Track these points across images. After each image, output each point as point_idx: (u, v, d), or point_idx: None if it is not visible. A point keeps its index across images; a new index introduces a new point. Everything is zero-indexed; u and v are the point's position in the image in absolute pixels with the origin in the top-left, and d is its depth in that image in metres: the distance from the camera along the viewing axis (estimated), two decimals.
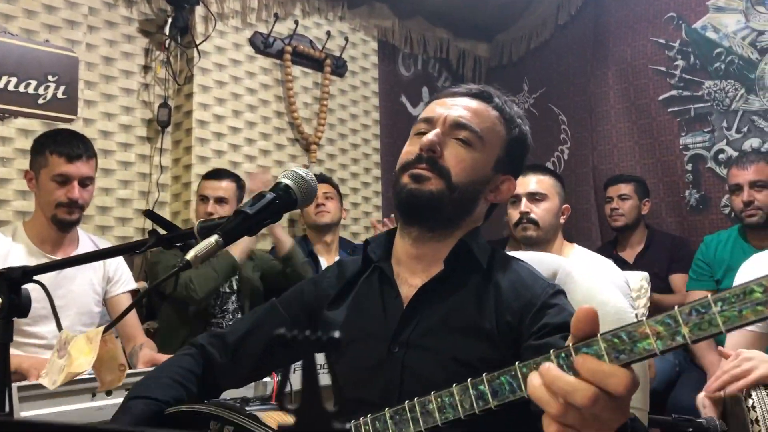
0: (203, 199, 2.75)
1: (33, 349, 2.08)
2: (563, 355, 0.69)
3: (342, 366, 1.14)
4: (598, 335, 0.66)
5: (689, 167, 3.59)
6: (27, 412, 1.37)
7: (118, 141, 3.00)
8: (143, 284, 2.71)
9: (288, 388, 1.86)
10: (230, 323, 2.64)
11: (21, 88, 2.67)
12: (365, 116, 3.86)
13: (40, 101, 2.72)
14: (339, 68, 3.71)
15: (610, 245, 3.41)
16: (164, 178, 3.13)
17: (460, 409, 0.79)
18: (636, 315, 1.40)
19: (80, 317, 2.21)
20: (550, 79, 4.31)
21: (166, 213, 3.15)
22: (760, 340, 1.54)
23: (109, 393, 1.44)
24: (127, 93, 3.04)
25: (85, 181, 2.15)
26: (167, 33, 3.06)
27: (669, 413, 2.51)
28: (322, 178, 3.19)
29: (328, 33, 3.65)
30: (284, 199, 0.98)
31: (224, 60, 3.24)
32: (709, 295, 0.61)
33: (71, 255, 2.20)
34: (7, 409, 0.95)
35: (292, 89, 3.45)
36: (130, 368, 2.12)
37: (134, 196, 3.04)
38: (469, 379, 0.78)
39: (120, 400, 1.11)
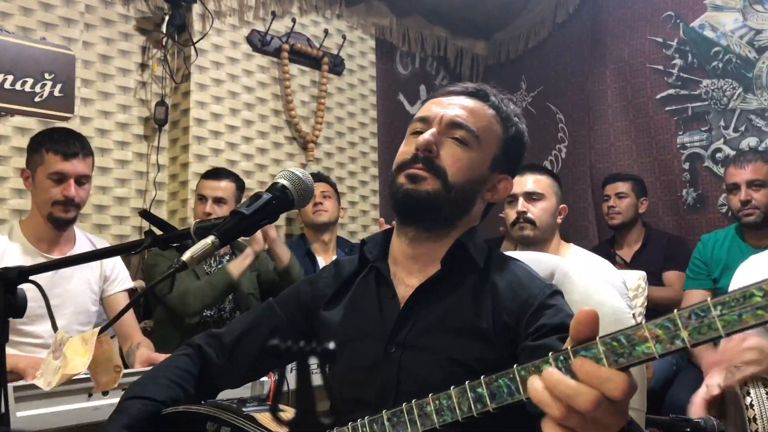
0: (202, 198, 2.73)
1: (29, 348, 2.07)
2: (562, 358, 0.69)
3: (338, 366, 1.14)
4: (597, 338, 0.66)
5: (686, 166, 3.60)
6: (23, 413, 1.37)
7: (115, 139, 3.00)
8: (140, 283, 2.70)
9: (285, 388, 1.86)
10: (227, 321, 2.64)
11: (17, 86, 2.66)
12: (363, 114, 3.86)
13: (37, 99, 2.71)
14: (336, 66, 3.71)
15: (607, 244, 3.41)
16: (161, 177, 3.12)
17: (458, 411, 0.78)
18: (633, 315, 1.41)
19: (77, 316, 2.20)
20: (547, 78, 4.31)
21: (163, 211, 3.14)
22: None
23: (105, 393, 1.44)
24: (124, 91, 3.03)
25: (82, 179, 2.14)
26: (164, 31, 3.05)
27: (666, 412, 2.52)
28: (319, 177, 3.19)
29: (326, 31, 3.64)
30: (281, 200, 0.97)
31: (221, 58, 3.23)
32: (709, 299, 0.60)
33: (68, 254, 2.20)
34: (2, 409, 0.95)
35: (289, 87, 3.45)
36: (127, 367, 2.12)
37: (131, 195, 3.03)
38: (467, 382, 0.77)
39: (116, 400, 1.10)
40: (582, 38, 4.08)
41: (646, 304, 2.35)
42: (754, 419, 1.13)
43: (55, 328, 0.97)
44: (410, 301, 1.08)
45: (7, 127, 2.66)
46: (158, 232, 1.01)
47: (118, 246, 1.04)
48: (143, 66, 3.10)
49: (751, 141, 3.38)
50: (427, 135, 1.07)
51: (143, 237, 1.01)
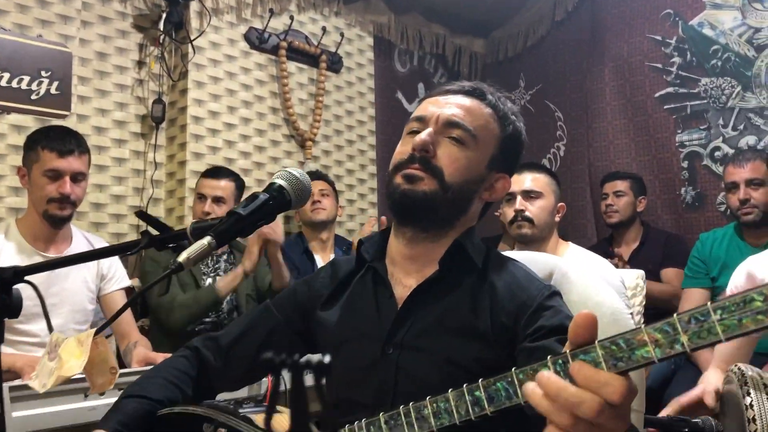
0: (201, 197, 2.71)
1: (26, 347, 2.07)
2: (560, 361, 0.68)
3: (335, 367, 1.14)
4: (596, 342, 0.66)
5: (685, 164, 3.59)
6: (19, 413, 1.36)
7: (112, 137, 2.99)
8: (137, 281, 2.69)
9: (282, 387, 1.85)
10: (224, 322, 2.63)
11: (14, 84, 2.65)
12: (361, 112, 3.85)
13: (33, 97, 2.70)
14: (334, 64, 3.70)
15: (605, 242, 3.41)
16: (158, 175, 3.11)
17: (455, 414, 0.78)
18: (631, 314, 1.40)
19: (74, 315, 2.20)
20: (546, 76, 4.31)
21: (160, 209, 3.13)
22: (749, 341, 1.54)
23: (101, 393, 1.43)
24: (121, 89, 3.02)
25: (77, 177, 2.13)
26: (161, 28, 3.03)
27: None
28: (317, 175, 3.18)
29: (324, 29, 3.63)
30: (278, 200, 0.96)
31: (219, 56, 3.22)
32: (709, 303, 0.60)
33: (64, 252, 2.20)
34: None
35: (287, 85, 3.44)
36: (123, 366, 2.12)
37: (128, 193, 3.02)
38: (465, 385, 0.77)
39: (113, 400, 1.10)
40: (581, 36, 4.08)
41: (644, 303, 2.34)
42: (754, 420, 1.13)
43: (50, 329, 0.96)
44: (408, 302, 1.07)
45: (4, 125, 2.65)
46: (155, 232, 1.01)
47: (114, 246, 1.03)
48: (140, 63, 3.09)
49: (749, 139, 3.38)
50: (423, 135, 1.06)
51: (140, 235, 1.01)
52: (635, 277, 2.33)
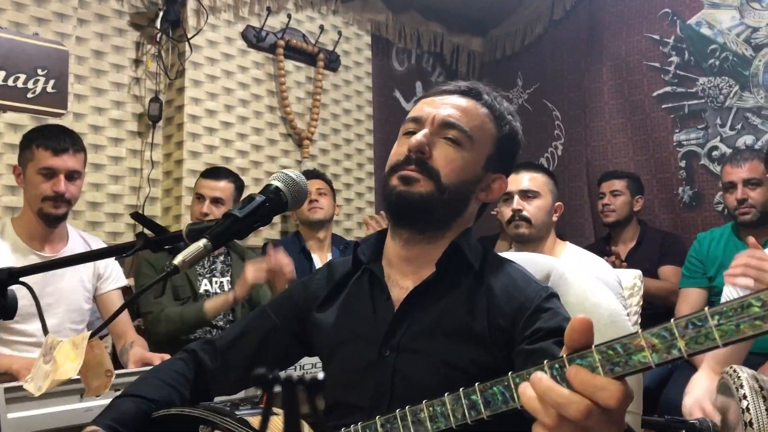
0: (199, 197, 2.69)
1: (22, 347, 2.06)
2: (557, 366, 0.68)
3: (332, 368, 1.13)
4: (593, 347, 0.65)
5: (683, 164, 3.59)
6: (14, 414, 1.36)
7: (109, 136, 2.98)
8: (134, 281, 2.69)
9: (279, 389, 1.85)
10: (219, 322, 2.62)
11: (10, 82, 2.64)
12: (358, 111, 3.84)
13: (30, 95, 2.69)
14: (332, 63, 3.69)
15: (603, 241, 3.41)
16: (155, 174, 3.11)
17: (452, 418, 0.78)
18: (629, 314, 1.40)
19: (70, 314, 2.19)
20: (544, 75, 4.31)
21: (157, 208, 3.13)
22: (745, 343, 1.53)
23: (97, 395, 1.43)
24: (117, 87, 3.01)
25: (73, 175, 2.12)
26: (158, 26, 3.03)
27: (661, 411, 2.52)
28: (315, 174, 3.17)
29: (321, 27, 3.62)
30: (274, 202, 0.96)
31: (216, 54, 3.21)
32: (706, 309, 0.60)
33: (60, 252, 2.19)
34: None
35: (284, 84, 3.43)
36: (120, 366, 2.11)
37: (125, 192, 3.01)
38: (461, 389, 0.77)
39: (109, 401, 1.09)
40: (578, 35, 4.08)
41: (641, 303, 2.35)
42: (750, 424, 1.13)
43: (45, 331, 0.96)
44: (405, 304, 1.07)
45: (0, 123, 2.64)
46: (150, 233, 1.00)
47: (109, 248, 1.03)
48: (137, 62, 3.08)
49: (747, 139, 3.38)
50: (419, 136, 1.06)
51: (137, 233, 1.00)
52: (632, 276, 2.33)
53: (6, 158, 2.62)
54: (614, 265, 2.72)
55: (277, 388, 1.36)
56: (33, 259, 2.11)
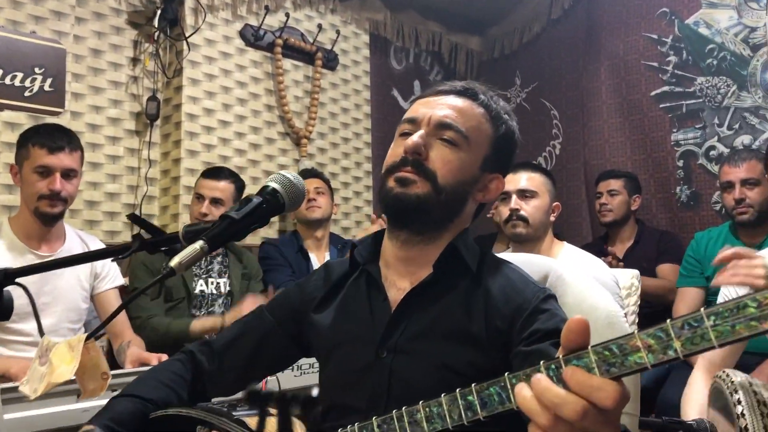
0: (199, 197, 2.68)
1: (19, 346, 2.06)
2: (553, 366, 0.68)
3: (329, 369, 1.13)
4: (589, 347, 0.65)
5: (680, 163, 3.60)
6: (10, 415, 1.35)
7: (106, 134, 2.97)
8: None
9: (277, 388, 1.85)
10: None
11: (7, 81, 2.64)
12: (356, 110, 3.84)
13: (27, 94, 2.69)
14: (330, 61, 3.69)
15: (600, 240, 3.41)
16: (153, 172, 3.10)
17: (448, 419, 0.78)
18: (626, 314, 1.40)
19: (67, 314, 2.19)
20: (542, 74, 4.31)
21: (154, 207, 3.12)
22: (739, 345, 1.54)
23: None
24: (115, 86, 3.01)
25: (69, 174, 2.12)
26: (156, 25, 3.02)
27: (658, 411, 2.53)
28: (313, 173, 3.17)
29: (320, 26, 3.61)
30: (271, 204, 0.96)
31: (214, 53, 3.21)
32: (702, 309, 0.60)
33: (57, 251, 2.19)
34: None
35: (282, 82, 3.42)
36: (117, 366, 2.11)
37: (122, 190, 3.01)
38: (458, 389, 0.77)
39: (107, 401, 1.09)
40: (577, 34, 4.08)
41: (638, 302, 2.35)
42: (746, 429, 1.12)
43: (41, 332, 0.96)
44: (402, 305, 1.06)
45: None
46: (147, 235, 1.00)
47: (105, 249, 1.03)
48: (135, 60, 3.08)
49: (744, 139, 3.38)
50: (415, 137, 1.05)
51: (133, 234, 1.00)
52: (630, 276, 2.34)
53: (3, 157, 2.62)
54: (611, 266, 2.73)
55: (277, 389, 1.36)
56: (30, 258, 2.10)
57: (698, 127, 3.54)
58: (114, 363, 2.22)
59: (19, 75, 2.66)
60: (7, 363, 1.86)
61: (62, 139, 2.10)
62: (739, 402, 1.15)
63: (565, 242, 2.35)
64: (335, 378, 1.09)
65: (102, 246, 2.38)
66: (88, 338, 0.86)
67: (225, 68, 3.24)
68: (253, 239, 3.15)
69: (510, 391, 0.72)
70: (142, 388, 1.10)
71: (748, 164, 2.64)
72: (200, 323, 2.45)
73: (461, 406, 0.76)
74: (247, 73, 3.33)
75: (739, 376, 1.21)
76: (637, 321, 2.29)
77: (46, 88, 2.73)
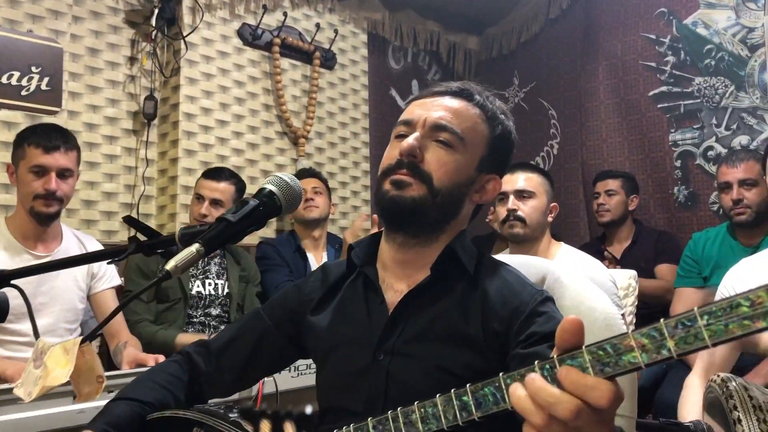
0: (199, 198, 2.68)
1: (15, 347, 2.06)
2: (548, 366, 0.68)
3: (326, 372, 1.13)
4: (584, 347, 0.66)
5: (678, 164, 3.60)
6: (5, 416, 1.35)
7: (104, 134, 2.97)
8: None
9: (274, 389, 1.85)
10: (212, 322, 2.62)
11: (3, 80, 2.63)
12: (354, 109, 3.83)
13: (24, 93, 2.68)
14: (328, 61, 3.68)
15: (598, 240, 3.41)
16: (150, 172, 3.10)
17: (443, 420, 0.78)
18: (623, 315, 1.40)
19: (64, 314, 2.18)
20: (540, 74, 4.31)
21: (152, 207, 3.12)
22: (737, 344, 1.53)
23: None
24: (112, 85, 3.00)
25: (64, 173, 2.11)
26: (154, 24, 3.02)
27: (656, 411, 2.53)
28: (310, 173, 3.17)
29: (318, 25, 3.61)
30: (268, 206, 0.96)
31: (212, 52, 3.20)
32: (695, 309, 0.60)
33: (54, 251, 2.18)
34: None
35: (280, 82, 3.42)
36: (113, 367, 2.11)
37: (120, 190, 3.01)
38: (452, 390, 0.77)
39: (102, 403, 1.09)
40: (575, 34, 4.08)
41: (636, 303, 2.35)
42: None
43: (36, 335, 0.95)
44: (399, 308, 1.06)
45: None
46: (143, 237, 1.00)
47: (101, 252, 1.03)
48: (132, 59, 3.07)
49: (742, 139, 3.39)
50: (410, 140, 1.05)
51: (129, 236, 1.00)
52: (627, 277, 2.34)
53: (0, 156, 2.61)
54: (608, 267, 2.73)
55: (274, 389, 1.35)
56: (26, 258, 2.10)
57: (696, 128, 3.54)
58: (110, 364, 2.22)
59: (16, 74, 2.66)
60: (3, 365, 1.86)
61: (58, 138, 2.09)
62: (735, 408, 1.14)
63: (562, 242, 2.35)
64: (332, 380, 1.09)
65: (99, 246, 2.38)
66: (83, 342, 0.86)
67: (222, 67, 3.24)
68: (251, 239, 3.15)
69: (505, 391, 0.72)
70: (139, 390, 1.09)
71: (746, 165, 2.64)
72: (187, 337, 2.43)
73: (456, 407, 0.77)
74: (245, 73, 3.33)
75: (734, 381, 1.20)
76: (634, 322, 2.30)
77: (43, 87, 2.72)
